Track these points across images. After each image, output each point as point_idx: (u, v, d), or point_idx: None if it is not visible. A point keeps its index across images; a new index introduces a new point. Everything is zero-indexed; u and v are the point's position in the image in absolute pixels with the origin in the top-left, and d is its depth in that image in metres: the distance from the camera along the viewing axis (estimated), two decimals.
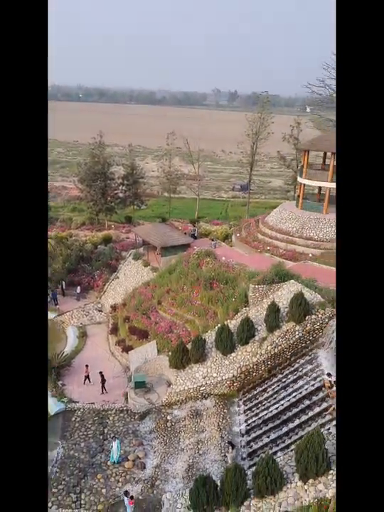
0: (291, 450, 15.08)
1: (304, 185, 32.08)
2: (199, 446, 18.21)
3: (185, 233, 36.12)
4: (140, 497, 16.05)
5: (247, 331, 21.32)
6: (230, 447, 17.09)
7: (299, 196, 32.69)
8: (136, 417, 20.75)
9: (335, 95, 44.84)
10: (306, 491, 12.95)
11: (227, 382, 20.97)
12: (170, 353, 22.62)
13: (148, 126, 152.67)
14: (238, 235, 33.66)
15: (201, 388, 21.14)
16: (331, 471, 12.90)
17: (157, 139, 54.12)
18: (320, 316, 20.81)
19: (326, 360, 19.40)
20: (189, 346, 22.19)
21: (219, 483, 13.78)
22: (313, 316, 20.83)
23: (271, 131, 42.98)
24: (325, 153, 33.51)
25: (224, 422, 19.16)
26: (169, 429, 19.70)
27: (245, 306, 23.85)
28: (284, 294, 22.24)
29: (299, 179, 32.54)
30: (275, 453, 16.20)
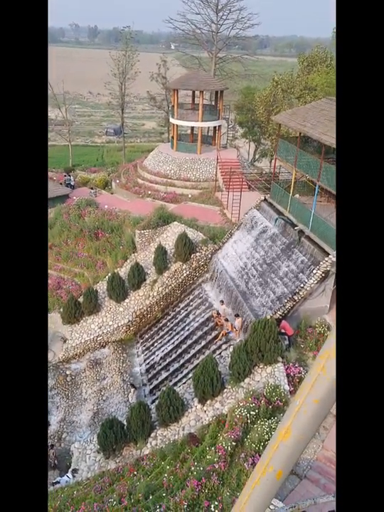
0: (189, 378, 16.29)
1: (177, 126, 32.07)
2: (102, 393, 18.62)
3: (60, 183, 34.07)
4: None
5: (138, 276, 21.66)
6: (132, 389, 17.81)
7: (173, 138, 32.69)
8: None
9: (197, 31, 44.39)
10: (205, 411, 14.26)
11: (124, 328, 21.37)
12: (61, 310, 22.05)
13: None
14: (118, 181, 32.89)
15: (98, 338, 21.24)
16: (225, 390, 14.32)
17: None
18: (203, 252, 21.94)
19: (212, 293, 20.80)
20: (81, 299, 21.85)
21: (125, 423, 14.42)
22: (198, 254, 21.88)
23: (138, 70, 41.30)
24: (193, 92, 33.54)
25: (124, 365, 19.72)
26: (70, 382, 19.67)
27: (133, 252, 23.99)
28: (169, 236, 22.81)
29: (171, 120, 32.36)
30: (175, 384, 17.35)
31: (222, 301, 18.89)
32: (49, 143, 56.37)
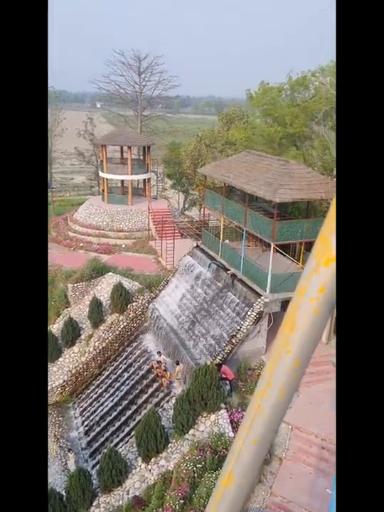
0: (132, 436, 15.51)
1: (107, 179, 32.54)
2: None
3: None
4: None
5: (72, 332, 20.76)
6: (70, 455, 16.56)
7: (103, 191, 33.00)
8: None
9: (122, 91, 46.34)
10: (150, 470, 13.55)
11: (58, 389, 20.10)
12: None
13: None
14: (48, 235, 32.14)
15: None
16: (170, 444, 13.79)
17: None
18: (140, 302, 21.71)
19: (152, 343, 20.43)
20: None
21: (64, 493, 13.24)
22: (135, 303, 21.60)
23: (64, 127, 41.92)
24: (121, 148, 34.48)
25: (60, 430, 18.37)
26: None
27: (66, 307, 23.11)
28: (103, 288, 22.36)
29: (101, 174, 32.81)
30: (117, 444, 16.40)
31: (159, 352, 18.62)
32: None
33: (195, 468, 12.00)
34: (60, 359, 20.60)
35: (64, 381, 20.14)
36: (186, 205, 43.78)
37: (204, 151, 34.25)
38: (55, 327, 21.53)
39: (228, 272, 18.20)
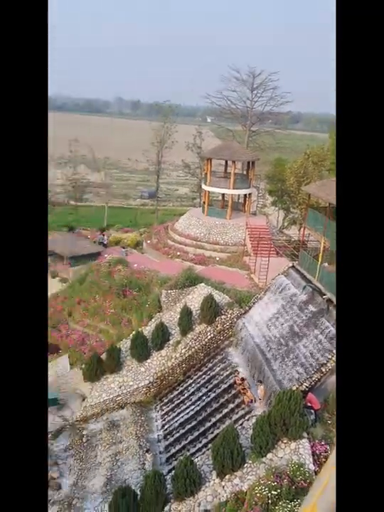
0: (209, 449, 15.50)
1: (209, 192, 33.32)
2: (117, 458, 17.87)
3: (94, 242, 35.29)
4: None
5: (162, 336, 21.53)
6: (148, 455, 17.06)
7: (204, 203, 33.84)
8: (49, 436, 19.70)
9: (233, 106, 47.27)
10: (223, 487, 13.39)
11: (144, 389, 20.91)
12: (84, 366, 21.92)
13: (49, 133, 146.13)
14: (149, 241, 33.82)
15: (117, 398, 20.79)
16: (246, 465, 13.51)
17: (58, 147, 51.56)
18: (229, 316, 21.75)
19: (236, 358, 20.30)
20: (103, 356, 21.73)
21: (139, 492, 13.68)
22: (223, 317, 21.70)
23: (175, 139, 44.04)
24: (226, 162, 35.10)
25: (142, 429, 19.04)
26: (85, 444, 19.05)
27: (159, 312, 24.03)
28: (195, 297, 22.85)
29: (204, 187, 33.69)
30: (193, 454, 16.51)
31: (237, 371, 18.43)
32: (86, 203, 59.26)
33: (270, 495, 11.59)
34: (148, 360, 21.46)
35: (150, 382, 20.89)
36: (285, 224, 42.96)
37: (310, 169, 33.41)
38: (147, 329, 22.49)
39: (324, 296, 17.42)
